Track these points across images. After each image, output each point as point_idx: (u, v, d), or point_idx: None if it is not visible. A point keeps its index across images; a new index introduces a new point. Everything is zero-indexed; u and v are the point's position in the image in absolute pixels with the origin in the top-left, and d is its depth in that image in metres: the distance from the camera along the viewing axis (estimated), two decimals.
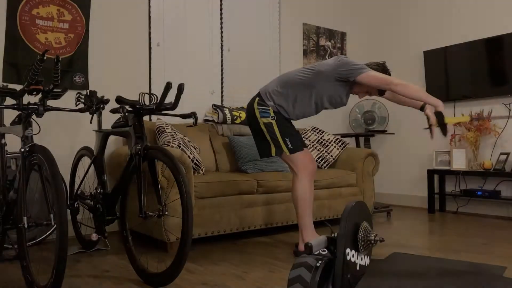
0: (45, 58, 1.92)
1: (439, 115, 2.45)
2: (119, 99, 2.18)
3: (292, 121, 2.72)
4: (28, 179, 2.05)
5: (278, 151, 2.60)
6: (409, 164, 4.99)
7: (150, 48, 3.70)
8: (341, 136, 4.39)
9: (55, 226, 2.29)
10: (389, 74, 2.59)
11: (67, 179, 3.20)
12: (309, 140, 4.09)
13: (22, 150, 2.04)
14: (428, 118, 2.52)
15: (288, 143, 2.59)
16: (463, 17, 4.51)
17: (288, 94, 2.60)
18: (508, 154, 4.04)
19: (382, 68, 2.60)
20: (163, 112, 2.26)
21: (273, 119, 2.59)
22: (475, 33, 4.39)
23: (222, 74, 4.15)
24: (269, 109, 2.60)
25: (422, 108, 2.67)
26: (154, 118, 3.68)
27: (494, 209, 4.27)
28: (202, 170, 3.15)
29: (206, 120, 3.89)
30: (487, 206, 4.31)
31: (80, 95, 2.61)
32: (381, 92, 2.63)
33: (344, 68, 2.49)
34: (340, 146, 4.04)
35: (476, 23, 4.40)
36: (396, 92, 2.42)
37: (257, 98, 2.66)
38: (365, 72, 2.45)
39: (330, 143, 4.05)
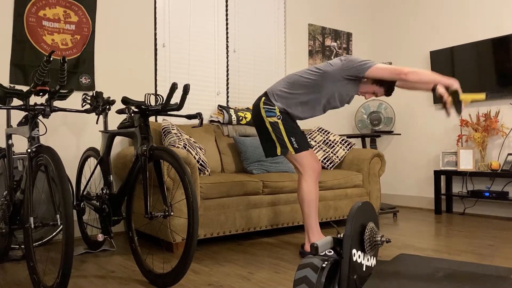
0: (51, 59, 1.93)
1: (454, 93, 2.41)
2: (125, 100, 2.19)
3: (297, 121, 2.72)
4: (34, 180, 2.06)
5: (284, 150, 2.60)
6: (416, 165, 4.96)
7: (155, 49, 3.71)
8: (347, 137, 4.38)
9: (61, 226, 2.31)
10: None
11: (73, 179, 3.22)
12: (315, 141, 4.08)
13: (29, 150, 2.05)
14: (441, 97, 2.50)
15: (294, 142, 2.58)
16: (469, 17, 4.48)
17: (296, 95, 2.59)
18: None
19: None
20: (168, 113, 2.27)
21: (279, 119, 2.59)
22: (482, 33, 4.36)
23: (227, 75, 4.15)
24: (275, 109, 2.60)
25: (433, 89, 2.63)
26: (159, 119, 3.70)
27: (501, 210, 4.23)
28: (207, 171, 3.15)
29: (211, 121, 3.90)
30: (495, 207, 4.28)
31: (86, 96, 2.63)
32: (388, 93, 2.61)
33: (352, 66, 2.48)
34: (346, 146, 4.03)
35: (482, 23, 4.37)
36: (409, 80, 2.39)
37: (263, 98, 2.66)
38: (374, 66, 2.45)
39: (336, 143, 4.04)
